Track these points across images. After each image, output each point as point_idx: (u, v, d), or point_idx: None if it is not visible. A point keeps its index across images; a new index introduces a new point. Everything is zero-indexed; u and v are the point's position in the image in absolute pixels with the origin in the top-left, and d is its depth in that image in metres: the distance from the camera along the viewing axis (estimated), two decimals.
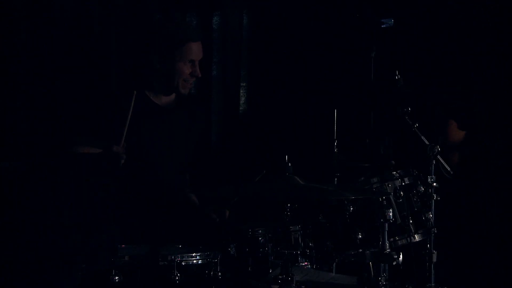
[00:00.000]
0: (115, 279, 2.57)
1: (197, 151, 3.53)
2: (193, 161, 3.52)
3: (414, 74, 3.78)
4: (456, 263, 3.79)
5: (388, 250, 2.65)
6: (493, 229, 3.82)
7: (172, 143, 3.36)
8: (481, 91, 3.88)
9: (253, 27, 4.31)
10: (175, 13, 3.97)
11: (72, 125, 3.45)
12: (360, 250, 2.84)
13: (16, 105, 3.77)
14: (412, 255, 2.91)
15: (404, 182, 3.03)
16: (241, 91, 4.31)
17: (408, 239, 2.98)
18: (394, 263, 2.60)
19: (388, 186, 3.00)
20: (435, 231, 2.99)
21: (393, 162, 3.15)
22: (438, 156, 3.04)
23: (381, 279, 2.61)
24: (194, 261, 2.66)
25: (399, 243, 2.97)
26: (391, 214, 2.81)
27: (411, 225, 2.99)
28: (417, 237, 2.99)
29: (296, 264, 2.88)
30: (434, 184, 2.99)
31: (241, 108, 4.31)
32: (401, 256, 2.60)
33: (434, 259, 2.95)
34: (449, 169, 3.13)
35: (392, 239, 2.95)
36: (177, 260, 2.61)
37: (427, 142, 3.04)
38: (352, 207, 2.97)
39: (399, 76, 3.19)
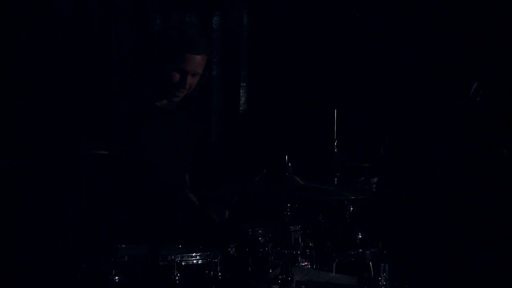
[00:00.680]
0: (115, 279, 2.57)
1: (197, 151, 3.52)
2: (193, 162, 3.52)
3: (414, 74, 3.78)
4: (456, 263, 3.80)
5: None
6: (493, 229, 3.82)
7: (171, 143, 3.36)
8: (481, 91, 3.88)
9: (253, 27, 4.31)
10: (186, 20, 3.89)
11: (72, 125, 3.45)
12: (360, 250, 2.84)
13: (16, 105, 3.78)
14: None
15: None
16: (241, 91, 4.31)
17: None
18: None
19: None
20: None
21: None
22: None
23: (381, 279, 2.61)
24: (194, 261, 2.66)
25: None
26: None
27: None
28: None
29: (296, 264, 2.88)
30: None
31: (241, 108, 4.31)
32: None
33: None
34: None
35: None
36: (177, 260, 2.61)
37: None
38: (352, 207, 2.97)
39: None
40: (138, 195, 3.27)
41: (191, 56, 3.20)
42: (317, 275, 2.80)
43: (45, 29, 3.85)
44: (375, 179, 3.03)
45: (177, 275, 2.59)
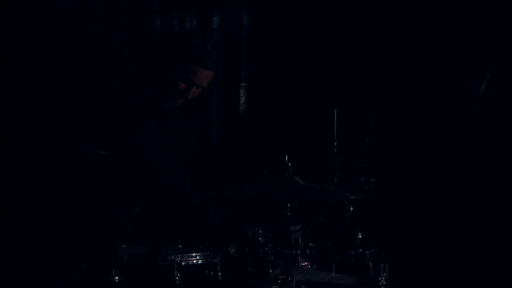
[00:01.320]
0: (115, 279, 2.57)
1: (197, 151, 3.53)
2: (193, 162, 3.52)
3: (414, 74, 3.78)
4: (456, 263, 3.79)
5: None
6: (494, 229, 3.82)
7: (171, 144, 3.36)
8: (481, 91, 3.88)
9: (253, 27, 4.31)
10: (202, 32, 3.83)
11: (73, 125, 3.45)
12: (360, 250, 2.84)
13: (16, 105, 3.77)
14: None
15: None
16: (241, 91, 4.31)
17: None
18: None
19: None
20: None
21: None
22: None
23: (381, 279, 2.61)
24: (194, 261, 2.66)
25: None
26: None
27: None
28: None
29: (296, 264, 2.88)
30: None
31: (241, 108, 4.31)
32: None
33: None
34: None
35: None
36: (177, 260, 2.61)
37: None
38: (352, 207, 2.98)
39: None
40: (139, 195, 3.28)
41: (201, 69, 3.19)
42: (317, 275, 2.80)
43: (45, 29, 3.85)
44: (375, 179, 3.03)
45: (177, 275, 2.59)
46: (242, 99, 4.31)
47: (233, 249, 2.89)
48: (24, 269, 3.26)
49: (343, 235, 2.97)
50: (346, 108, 3.50)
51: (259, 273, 2.83)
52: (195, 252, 2.68)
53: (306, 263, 2.94)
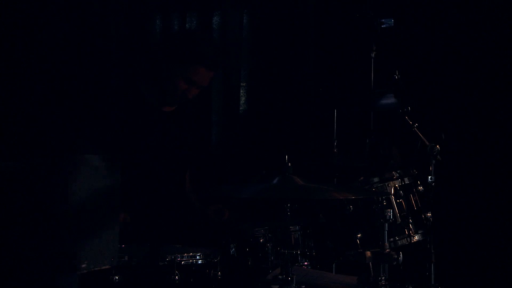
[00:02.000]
0: (115, 279, 2.57)
1: (196, 151, 3.53)
2: (193, 162, 3.52)
3: (414, 74, 3.78)
4: (456, 263, 3.80)
5: (388, 250, 2.65)
6: (493, 229, 3.82)
7: (171, 144, 3.36)
8: (481, 91, 3.88)
9: (253, 27, 4.31)
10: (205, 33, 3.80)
11: (72, 125, 3.45)
12: (360, 250, 2.84)
13: (16, 105, 3.77)
14: (412, 255, 2.91)
15: (404, 182, 3.04)
16: (241, 91, 4.31)
17: (408, 239, 2.99)
18: (394, 263, 2.59)
19: (388, 186, 3.00)
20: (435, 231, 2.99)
21: (393, 162, 3.15)
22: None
23: (381, 279, 2.61)
24: (194, 261, 2.66)
25: (399, 243, 2.97)
26: (391, 214, 2.82)
27: (411, 225, 2.99)
28: (417, 237, 3.00)
29: (296, 264, 2.88)
30: (434, 184, 2.99)
31: (241, 108, 4.31)
32: (401, 256, 2.60)
33: (434, 259, 2.94)
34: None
35: (392, 239, 2.96)
36: (177, 260, 2.61)
37: (427, 143, 3.04)
38: (352, 207, 2.97)
39: (399, 76, 3.19)
40: (139, 195, 3.27)
41: (203, 69, 3.20)
42: (317, 275, 2.80)
43: (45, 29, 3.85)
44: (375, 179, 3.02)
45: (177, 275, 2.59)
46: (242, 99, 4.31)
47: (233, 249, 2.89)
48: (24, 269, 3.26)
49: (343, 235, 2.97)
50: (346, 108, 3.50)
51: (259, 273, 2.83)
52: (195, 252, 2.68)
53: (306, 263, 2.94)
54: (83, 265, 2.61)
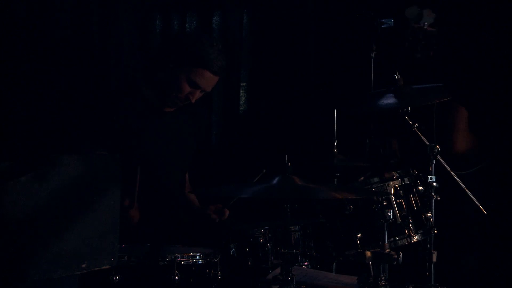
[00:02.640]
0: (115, 279, 2.57)
1: (197, 151, 3.52)
2: (193, 162, 3.52)
3: (414, 74, 3.78)
4: (456, 263, 3.80)
5: (388, 250, 2.64)
6: (493, 229, 3.82)
7: (172, 144, 3.36)
8: (481, 91, 3.88)
9: (253, 27, 4.31)
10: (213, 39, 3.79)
11: (72, 125, 3.44)
12: (360, 250, 2.84)
13: (16, 105, 3.77)
14: (412, 255, 2.91)
15: (404, 182, 3.04)
16: (241, 91, 4.31)
17: (408, 239, 2.98)
18: (394, 263, 2.59)
19: (388, 186, 3.00)
20: (435, 231, 2.99)
21: (393, 161, 3.15)
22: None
23: (381, 279, 2.61)
24: (194, 261, 2.66)
25: (399, 243, 2.97)
26: (391, 214, 2.82)
27: (411, 225, 2.99)
28: (417, 237, 3.00)
29: (296, 264, 2.88)
30: (434, 184, 2.99)
31: (241, 108, 4.31)
32: (401, 256, 2.60)
33: (434, 259, 2.94)
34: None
35: (392, 239, 2.96)
36: (177, 260, 2.61)
37: (427, 142, 3.04)
38: (352, 207, 2.97)
39: (399, 76, 3.19)
40: (139, 195, 3.27)
41: (209, 73, 3.19)
42: (317, 275, 2.80)
43: (45, 29, 3.85)
44: (375, 179, 3.02)
45: (177, 275, 2.59)
46: (242, 99, 4.31)
47: (233, 249, 2.89)
48: (24, 269, 3.25)
49: (343, 235, 2.97)
50: (346, 108, 3.50)
51: (259, 273, 2.83)
52: (195, 252, 2.68)
53: (306, 263, 2.94)
54: (83, 265, 2.61)
